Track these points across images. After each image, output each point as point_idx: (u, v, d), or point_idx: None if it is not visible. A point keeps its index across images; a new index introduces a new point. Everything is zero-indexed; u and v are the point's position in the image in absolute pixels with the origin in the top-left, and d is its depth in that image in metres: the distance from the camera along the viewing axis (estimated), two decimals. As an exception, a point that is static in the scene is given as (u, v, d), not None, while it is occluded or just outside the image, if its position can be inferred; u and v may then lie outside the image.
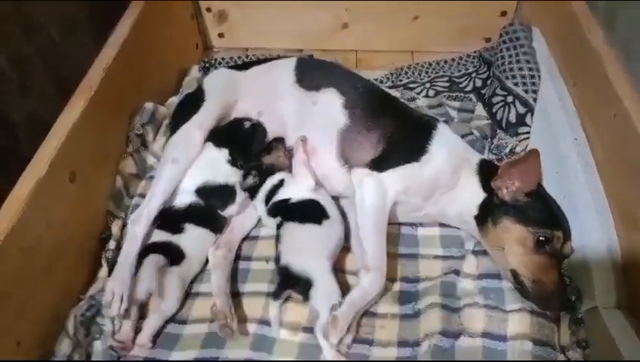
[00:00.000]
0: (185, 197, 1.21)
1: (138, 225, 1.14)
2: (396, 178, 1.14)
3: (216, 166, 1.25)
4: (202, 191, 1.22)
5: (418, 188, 1.16)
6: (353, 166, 1.20)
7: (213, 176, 1.24)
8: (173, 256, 1.12)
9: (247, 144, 1.28)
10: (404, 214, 1.23)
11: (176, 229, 1.16)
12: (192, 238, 1.16)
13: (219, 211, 1.22)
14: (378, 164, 1.16)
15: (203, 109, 1.30)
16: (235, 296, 1.14)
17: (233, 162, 1.26)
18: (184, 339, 1.08)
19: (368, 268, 1.07)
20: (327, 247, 1.11)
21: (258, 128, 1.31)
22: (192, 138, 1.25)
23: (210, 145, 1.27)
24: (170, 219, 1.19)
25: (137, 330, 1.07)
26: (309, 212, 1.16)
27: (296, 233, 1.14)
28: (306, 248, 1.10)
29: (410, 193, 1.16)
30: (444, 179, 1.17)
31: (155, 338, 1.07)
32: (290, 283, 1.06)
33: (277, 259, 1.12)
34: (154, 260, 1.08)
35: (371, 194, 1.13)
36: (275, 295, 1.07)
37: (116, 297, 1.04)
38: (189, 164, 1.22)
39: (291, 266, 1.07)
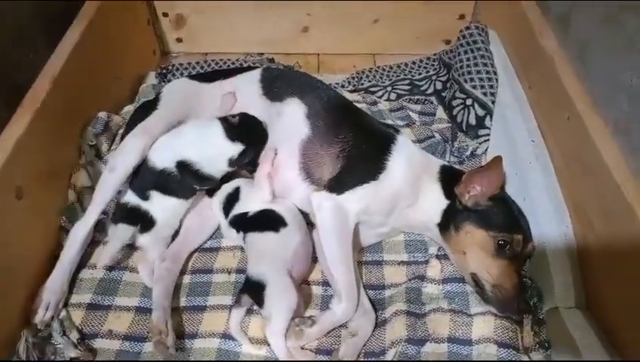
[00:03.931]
0: (162, 161, 1.18)
1: (76, 236, 1.14)
2: (355, 199, 1.12)
3: (212, 155, 1.18)
4: (182, 165, 1.17)
5: (379, 206, 1.15)
6: (313, 183, 1.18)
7: (202, 160, 1.17)
8: (144, 222, 1.17)
9: (261, 144, 1.23)
10: (369, 233, 1.22)
11: (145, 196, 1.17)
12: (162, 207, 1.18)
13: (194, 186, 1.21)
14: (336, 185, 1.13)
15: (152, 116, 1.24)
16: (200, 310, 1.12)
17: (239, 160, 1.18)
18: (145, 357, 1.05)
19: (341, 299, 1.06)
20: (283, 252, 1.10)
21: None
22: (131, 145, 1.18)
23: (220, 134, 1.18)
24: (139, 180, 1.19)
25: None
26: (267, 221, 1.15)
27: (257, 242, 1.14)
28: (263, 254, 1.10)
29: (372, 212, 1.15)
30: (405, 193, 1.16)
31: None
32: (246, 288, 1.08)
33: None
34: (123, 235, 1.15)
35: (332, 218, 1.11)
36: (235, 301, 1.08)
37: (43, 304, 1.06)
38: (127, 171, 1.17)
39: (251, 274, 1.08)
